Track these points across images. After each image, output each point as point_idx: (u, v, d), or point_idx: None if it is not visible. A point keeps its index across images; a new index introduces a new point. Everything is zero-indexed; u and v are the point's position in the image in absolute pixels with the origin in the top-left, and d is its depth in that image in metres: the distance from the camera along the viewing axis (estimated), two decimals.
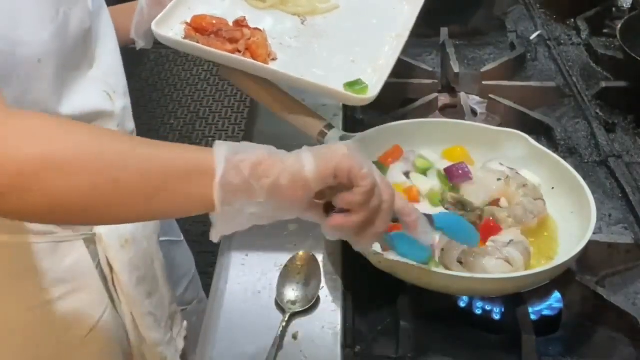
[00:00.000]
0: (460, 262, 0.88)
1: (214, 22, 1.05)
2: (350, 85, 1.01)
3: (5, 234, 0.93)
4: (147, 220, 0.74)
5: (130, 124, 1.03)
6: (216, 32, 1.03)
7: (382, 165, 1.02)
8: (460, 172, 1.01)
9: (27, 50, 0.82)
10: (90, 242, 0.98)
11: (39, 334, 0.98)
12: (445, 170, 1.02)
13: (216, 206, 0.68)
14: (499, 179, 0.99)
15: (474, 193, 0.98)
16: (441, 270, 0.86)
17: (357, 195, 0.70)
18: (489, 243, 0.91)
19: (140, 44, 1.10)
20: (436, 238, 0.85)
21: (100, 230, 0.98)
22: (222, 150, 0.68)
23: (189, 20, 1.04)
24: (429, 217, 0.82)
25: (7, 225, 0.91)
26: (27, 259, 0.94)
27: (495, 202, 0.98)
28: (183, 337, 1.17)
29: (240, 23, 1.06)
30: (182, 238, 1.33)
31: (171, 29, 1.03)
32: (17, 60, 0.81)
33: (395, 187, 0.78)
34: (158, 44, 1.04)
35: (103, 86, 0.96)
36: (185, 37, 1.02)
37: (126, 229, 1.00)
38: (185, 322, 1.19)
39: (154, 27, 1.00)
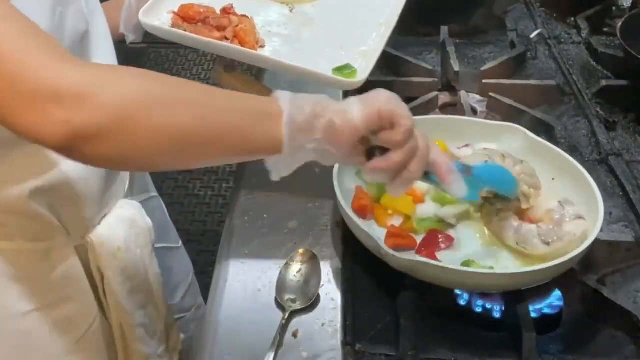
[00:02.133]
0: (547, 244, 0.90)
1: (202, 10, 1.05)
2: (339, 69, 1.01)
3: None
4: (214, 163, 0.78)
5: None
6: (203, 20, 1.04)
7: None
8: None
9: None
10: (82, 249, 0.97)
11: (27, 341, 0.97)
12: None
13: (284, 142, 0.74)
14: (486, 162, 0.98)
15: None
16: (442, 265, 0.86)
17: (397, 134, 0.75)
18: (548, 214, 0.93)
19: (130, 38, 1.10)
20: (465, 190, 0.84)
21: (92, 237, 0.97)
22: (285, 95, 0.76)
23: (176, 9, 1.05)
24: (467, 168, 0.85)
25: None
26: (18, 265, 0.93)
27: None
28: (178, 351, 1.16)
29: (227, 11, 1.07)
30: (180, 244, 1.31)
31: (158, 18, 1.03)
32: None
33: None
34: (156, 42, 1.04)
35: None
36: (173, 26, 1.02)
37: (119, 237, 0.99)
38: (182, 336, 1.17)
39: (141, 16, 1.00)
